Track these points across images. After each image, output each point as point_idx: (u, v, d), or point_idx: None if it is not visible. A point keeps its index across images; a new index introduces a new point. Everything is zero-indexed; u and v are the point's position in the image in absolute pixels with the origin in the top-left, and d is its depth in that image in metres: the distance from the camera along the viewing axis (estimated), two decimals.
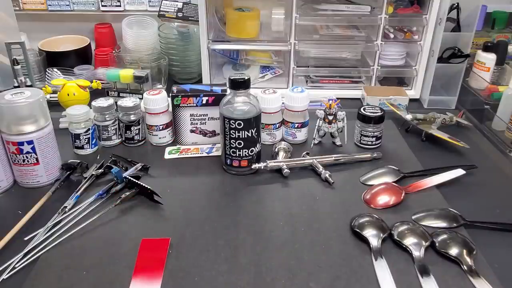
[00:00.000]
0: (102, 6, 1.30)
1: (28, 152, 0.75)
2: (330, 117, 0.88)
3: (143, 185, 0.74)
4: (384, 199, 0.74)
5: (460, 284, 0.58)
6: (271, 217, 0.71)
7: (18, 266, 0.61)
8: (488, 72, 1.14)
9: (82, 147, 0.88)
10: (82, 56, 1.26)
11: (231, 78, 0.76)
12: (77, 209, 0.71)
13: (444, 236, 0.65)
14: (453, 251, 0.62)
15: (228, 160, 0.81)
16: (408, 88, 1.15)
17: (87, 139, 0.87)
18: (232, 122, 0.77)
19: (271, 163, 0.81)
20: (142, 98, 0.90)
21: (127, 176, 0.76)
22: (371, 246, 0.64)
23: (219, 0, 1.13)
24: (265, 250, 0.64)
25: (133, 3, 1.30)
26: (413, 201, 0.75)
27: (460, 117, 1.01)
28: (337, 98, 0.90)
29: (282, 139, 0.93)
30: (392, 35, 1.11)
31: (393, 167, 0.82)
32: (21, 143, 0.74)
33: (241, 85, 0.76)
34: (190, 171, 0.83)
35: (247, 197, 0.76)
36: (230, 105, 0.78)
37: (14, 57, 1.06)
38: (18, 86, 1.07)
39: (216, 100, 0.86)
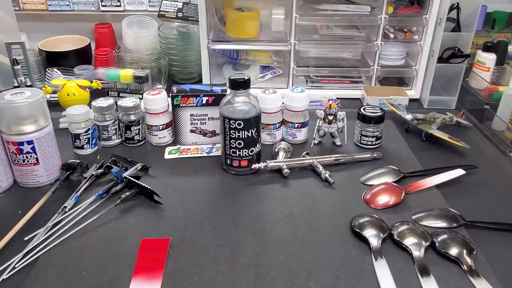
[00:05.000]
0: (102, 6, 1.30)
1: (28, 152, 0.75)
2: (330, 117, 0.88)
3: (143, 185, 0.74)
4: (384, 199, 0.74)
5: (460, 284, 0.58)
6: (271, 217, 0.71)
7: (18, 266, 0.60)
8: (488, 72, 1.14)
9: (82, 147, 0.88)
10: (82, 56, 1.26)
11: (231, 78, 0.76)
12: (77, 209, 0.71)
13: (444, 236, 0.65)
14: (453, 251, 0.62)
15: (228, 160, 0.81)
16: (408, 88, 1.15)
17: (87, 139, 0.87)
18: (232, 122, 0.77)
19: (271, 163, 0.81)
20: (142, 98, 0.90)
21: (127, 176, 0.76)
22: (371, 246, 0.64)
23: (219, 0, 1.13)
24: (265, 250, 0.64)
25: (133, 3, 1.30)
26: (413, 201, 0.75)
27: (460, 117, 1.01)
28: (337, 98, 0.89)
29: (282, 139, 0.93)
30: (392, 35, 1.11)
31: (393, 167, 0.82)
32: (21, 143, 0.74)
33: (241, 85, 0.76)
34: (190, 171, 0.83)
35: (247, 197, 0.76)
36: (230, 105, 0.78)
37: (14, 57, 1.06)
38: (18, 86, 1.07)
39: (216, 100, 0.86)
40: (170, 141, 0.93)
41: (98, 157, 0.87)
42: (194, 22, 1.14)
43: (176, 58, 1.19)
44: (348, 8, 1.08)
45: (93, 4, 1.30)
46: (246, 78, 0.76)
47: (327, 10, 1.09)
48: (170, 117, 0.90)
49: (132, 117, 0.89)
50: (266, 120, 0.89)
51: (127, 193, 0.73)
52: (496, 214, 0.72)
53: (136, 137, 0.91)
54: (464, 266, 0.60)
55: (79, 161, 0.81)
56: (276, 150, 0.87)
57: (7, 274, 0.59)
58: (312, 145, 0.92)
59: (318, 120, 0.90)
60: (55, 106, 1.01)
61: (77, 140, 0.87)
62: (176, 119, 0.90)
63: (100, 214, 0.70)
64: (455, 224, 0.68)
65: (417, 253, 0.62)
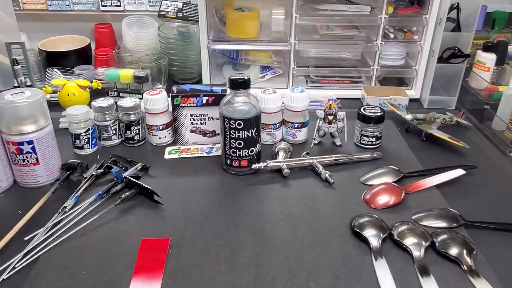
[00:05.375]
0: (102, 6, 1.30)
1: (28, 152, 0.75)
2: (330, 117, 0.88)
3: (143, 185, 0.74)
4: (384, 199, 0.74)
5: (460, 284, 0.58)
6: (271, 217, 0.71)
7: (18, 266, 0.61)
8: (488, 72, 1.14)
9: (82, 147, 0.88)
10: (82, 56, 1.26)
11: (231, 78, 0.76)
12: (77, 209, 0.71)
13: (444, 236, 0.65)
14: (453, 251, 0.62)
15: (228, 160, 0.81)
16: (408, 88, 1.15)
17: (87, 139, 0.87)
18: (232, 122, 0.77)
19: (271, 163, 0.81)
20: (142, 98, 0.90)
21: (127, 176, 0.76)
22: (371, 246, 0.64)
23: (219, 0, 1.13)
24: (265, 250, 0.64)
25: (133, 3, 1.30)
26: (413, 201, 0.75)
27: (460, 117, 1.01)
28: (337, 98, 0.89)
29: (282, 139, 0.93)
30: (392, 35, 1.11)
31: (393, 167, 0.82)
32: (21, 143, 0.74)
33: (241, 85, 0.76)
34: (190, 171, 0.83)
35: (247, 197, 0.76)
36: (230, 105, 0.78)
37: (14, 57, 1.06)
38: (18, 86, 1.07)
39: (216, 100, 0.86)
40: (170, 141, 0.93)
41: (98, 157, 0.87)
42: (194, 22, 1.14)
43: (176, 58, 1.19)
44: (348, 8, 1.08)
45: (93, 4, 1.30)
46: (246, 78, 0.76)
47: (327, 10, 1.09)
48: (170, 117, 0.90)
49: (132, 117, 0.89)
50: (266, 120, 0.89)
51: (127, 193, 0.73)
52: (496, 214, 0.72)
53: (136, 137, 0.91)
54: (464, 266, 0.60)
55: (79, 161, 0.81)
56: (276, 150, 0.87)
57: (7, 274, 0.59)
58: (312, 145, 0.92)
59: (318, 120, 0.90)
60: (55, 106, 1.01)
61: (77, 140, 0.87)
62: (176, 119, 0.90)
63: (100, 214, 0.70)
64: (455, 224, 0.68)
65: (417, 253, 0.62)
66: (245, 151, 0.80)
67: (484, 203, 0.75)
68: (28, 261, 0.62)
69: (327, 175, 0.79)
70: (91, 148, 0.89)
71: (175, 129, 0.91)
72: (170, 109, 0.89)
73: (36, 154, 0.76)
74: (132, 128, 0.90)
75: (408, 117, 0.94)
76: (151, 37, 1.20)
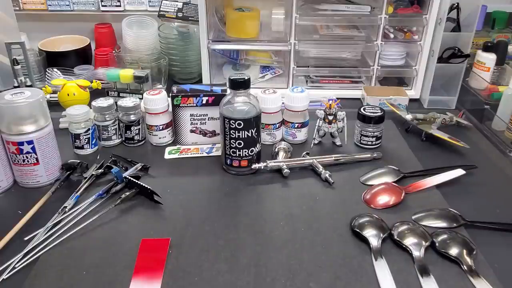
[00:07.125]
0: (102, 6, 1.30)
1: (28, 152, 0.75)
2: (330, 117, 0.88)
3: (143, 185, 0.74)
4: (384, 199, 0.74)
5: (460, 284, 0.58)
6: (271, 217, 0.71)
7: (18, 266, 0.61)
8: (488, 72, 1.14)
9: (82, 147, 0.88)
10: (82, 56, 1.26)
11: (231, 78, 0.76)
12: (77, 209, 0.71)
13: (444, 236, 0.65)
14: (453, 251, 0.62)
15: (228, 160, 0.81)
16: (408, 88, 1.15)
17: (87, 139, 0.87)
18: (232, 122, 0.77)
19: (271, 163, 0.81)
20: (142, 98, 0.90)
21: (127, 176, 0.76)
22: (371, 246, 0.64)
23: (219, 0, 1.13)
24: (265, 250, 0.64)
25: (133, 3, 1.30)
26: (413, 201, 0.75)
27: (460, 117, 1.01)
28: (337, 98, 0.89)
29: (282, 139, 0.93)
30: (392, 35, 1.11)
31: (393, 167, 0.82)
32: (21, 143, 0.74)
33: (241, 85, 0.76)
34: (190, 171, 0.83)
35: (247, 197, 0.76)
36: (230, 105, 0.78)
37: (14, 57, 1.06)
38: (18, 86, 1.07)
39: (216, 100, 0.86)
40: (170, 141, 0.93)
41: (98, 157, 0.87)
42: (194, 22, 1.14)
43: (176, 58, 1.19)
44: (348, 8, 1.08)
45: (93, 4, 1.30)
46: (246, 78, 0.76)
47: (327, 10, 1.09)
48: (170, 117, 0.90)
49: (132, 117, 0.89)
50: (266, 120, 0.89)
51: (127, 193, 0.73)
52: (496, 214, 0.72)
53: (136, 137, 0.91)
54: (464, 266, 0.60)
55: (79, 161, 0.81)
56: (276, 150, 0.87)
57: (7, 274, 0.59)
58: (312, 145, 0.92)
59: (318, 120, 0.90)
60: (55, 106, 1.01)
61: (77, 140, 0.87)
62: (176, 119, 0.90)
63: (100, 214, 0.70)
64: (455, 224, 0.68)
65: (417, 253, 0.62)
66: (245, 151, 0.80)
67: (484, 203, 0.75)
68: (28, 261, 0.62)
69: (327, 175, 0.79)
70: (91, 148, 0.89)
71: (175, 129, 0.91)
72: (170, 109, 0.89)
73: (36, 154, 0.76)
74: (132, 128, 0.90)
75: (408, 117, 0.94)
76: (151, 37, 1.20)
